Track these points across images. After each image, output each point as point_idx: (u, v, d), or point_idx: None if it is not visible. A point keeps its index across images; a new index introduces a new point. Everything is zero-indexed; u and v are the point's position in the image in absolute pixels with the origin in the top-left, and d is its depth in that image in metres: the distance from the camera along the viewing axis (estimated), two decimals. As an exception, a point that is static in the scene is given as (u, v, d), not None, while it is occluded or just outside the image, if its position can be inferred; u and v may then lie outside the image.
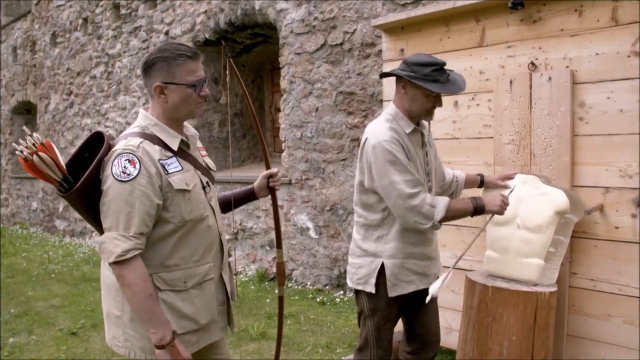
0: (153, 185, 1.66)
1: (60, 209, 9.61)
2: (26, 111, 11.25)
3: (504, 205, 2.24)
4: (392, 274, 2.25)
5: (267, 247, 5.87)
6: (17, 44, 10.81)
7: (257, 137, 7.49)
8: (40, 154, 1.56)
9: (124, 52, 7.83)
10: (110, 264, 1.62)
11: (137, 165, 1.63)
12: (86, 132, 8.81)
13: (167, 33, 6.99)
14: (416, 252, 2.28)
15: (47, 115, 9.88)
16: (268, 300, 4.95)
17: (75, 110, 9.10)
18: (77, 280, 6.12)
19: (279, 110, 7.15)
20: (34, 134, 1.57)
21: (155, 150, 1.70)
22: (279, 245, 2.14)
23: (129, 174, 1.62)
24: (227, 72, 1.92)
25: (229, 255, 2.00)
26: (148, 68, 1.73)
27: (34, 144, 1.56)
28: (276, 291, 5.19)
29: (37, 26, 10.09)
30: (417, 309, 2.41)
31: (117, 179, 1.62)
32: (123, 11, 7.78)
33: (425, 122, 2.35)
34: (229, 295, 1.95)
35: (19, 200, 11.27)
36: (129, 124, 7.83)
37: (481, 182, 2.67)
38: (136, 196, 1.62)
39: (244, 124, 7.27)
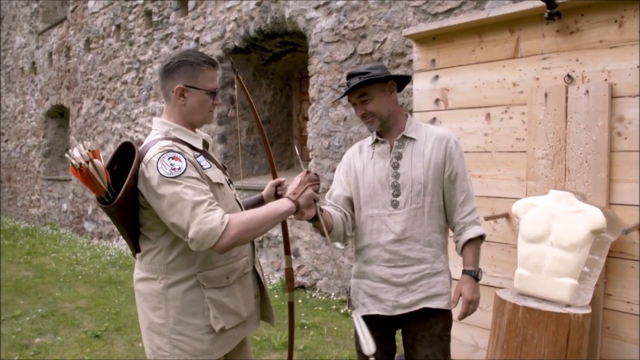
0: (199, 173, 1.68)
1: (90, 212, 9.77)
2: (59, 115, 11.52)
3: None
4: (353, 293, 2.16)
5: (292, 256, 5.82)
6: (53, 50, 11.09)
7: (284, 145, 7.53)
8: (95, 161, 1.53)
9: (155, 58, 7.94)
10: (222, 236, 1.56)
11: (182, 158, 1.64)
12: (116, 137, 8.95)
13: (197, 40, 7.07)
14: (367, 272, 2.10)
15: (79, 119, 10.08)
16: (291, 309, 4.90)
17: (106, 114, 9.26)
18: (103, 282, 6.19)
19: (306, 118, 7.15)
20: (86, 142, 1.54)
21: (186, 149, 1.72)
22: (287, 252, 2.19)
23: (178, 169, 1.61)
24: (235, 87, 1.96)
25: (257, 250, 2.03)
26: (171, 70, 1.75)
27: (86, 153, 1.53)
28: (300, 301, 5.16)
29: (72, 32, 10.33)
30: (406, 340, 2.12)
31: (168, 179, 1.59)
32: (155, 18, 7.90)
33: (413, 135, 2.13)
34: (263, 286, 1.99)
35: (50, 201, 11.51)
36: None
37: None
38: (190, 185, 1.61)
39: (271, 132, 7.29)
